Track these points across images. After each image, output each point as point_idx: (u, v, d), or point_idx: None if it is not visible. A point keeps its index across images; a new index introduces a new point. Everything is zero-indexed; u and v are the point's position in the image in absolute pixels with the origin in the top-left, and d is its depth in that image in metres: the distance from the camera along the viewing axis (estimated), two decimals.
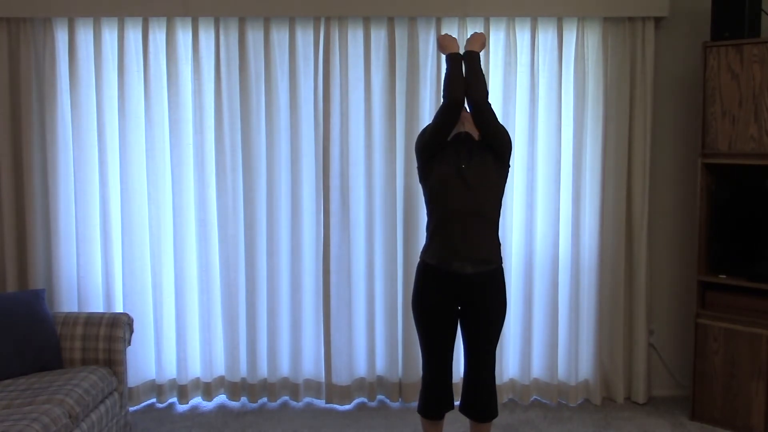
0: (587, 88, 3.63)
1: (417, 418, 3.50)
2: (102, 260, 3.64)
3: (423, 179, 2.72)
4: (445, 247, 2.61)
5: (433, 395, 2.75)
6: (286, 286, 3.70)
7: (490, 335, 2.69)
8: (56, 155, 3.57)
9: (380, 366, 3.76)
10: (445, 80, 2.74)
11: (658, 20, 3.61)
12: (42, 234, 3.62)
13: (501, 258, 2.71)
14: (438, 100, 3.56)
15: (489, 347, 2.70)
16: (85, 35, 3.58)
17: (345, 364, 3.67)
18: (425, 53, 3.58)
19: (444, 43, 2.88)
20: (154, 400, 3.76)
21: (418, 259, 2.81)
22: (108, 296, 3.65)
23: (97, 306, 3.68)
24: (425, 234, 2.76)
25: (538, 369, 3.76)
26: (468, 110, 2.73)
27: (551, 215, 3.63)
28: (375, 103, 3.61)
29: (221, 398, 3.79)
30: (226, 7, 3.49)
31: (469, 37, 2.92)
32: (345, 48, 3.55)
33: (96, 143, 3.61)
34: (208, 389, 3.73)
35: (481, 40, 2.84)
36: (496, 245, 2.67)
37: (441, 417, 2.79)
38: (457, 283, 2.64)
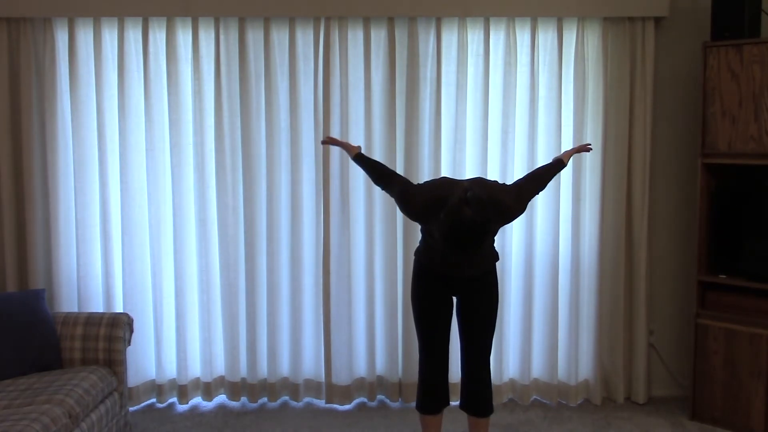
0: (587, 88, 3.63)
1: (417, 418, 3.50)
2: (102, 260, 3.64)
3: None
4: (442, 263, 2.70)
5: (431, 389, 2.79)
6: (286, 286, 3.70)
7: (486, 327, 2.77)
8: (56, 155, 3.57)
9: (380, 366, 3.76)
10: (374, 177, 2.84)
11: (658, 20, 3.61)
12: (42, 234, 3.61)
13: (497, 255, 2.80)
14: (437, 100, 3.56)
15: (485, 340, 2.77)
16: (85, 35, 3.58)
17: (345, 364, 3.67)
18: (425, 53, 3.58)
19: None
20: (154, 400, 3.76)
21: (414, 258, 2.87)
22: (108, 296, 3.65)
23: (97, 306, 3.68)
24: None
25: (538, 369, 3.76)
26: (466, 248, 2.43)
27: (551, 215, 3.63)
28: (375, 103, 3.61)
29: (221, 398, 3.79)
30: (226, 7, 3.49)
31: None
32: (345, 48, 3.55)
33: (96, 143, 3.61)
34: (208, 389, 3.73)
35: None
36: (492, 254, 2.77)
37: (438, 412, 2.81)
38: (452, 281, 2.74)
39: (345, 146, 2.98)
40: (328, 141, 3.03)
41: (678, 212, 3.78)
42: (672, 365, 3.85)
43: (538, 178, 2.85)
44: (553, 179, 3.04)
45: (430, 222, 2.57)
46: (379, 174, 2.82)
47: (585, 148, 3.10)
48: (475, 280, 2.73)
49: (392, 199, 3.62)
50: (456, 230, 2.35)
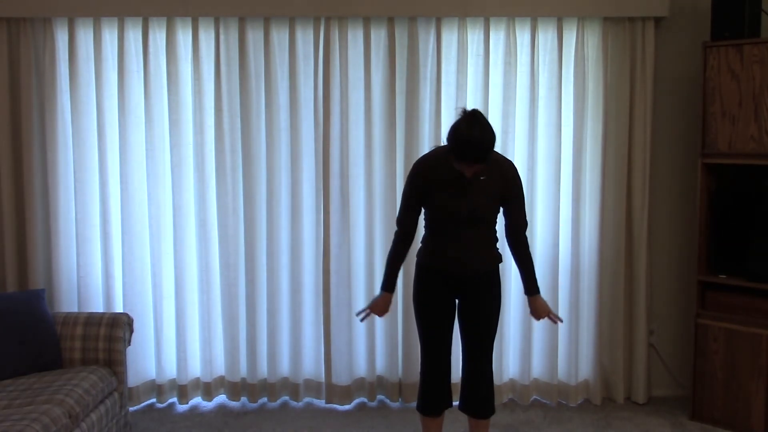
0: (587, 88, 3.63)
1: (417, 418, 3.50)
2: (102, 260, 3.64)
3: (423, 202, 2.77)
4: (443, 260, 2.70)
5: (432, 391, 2.78)
6: (286, 286, 3.70)
7: (488, 328, 2.75)
8: (56, 155, 3.57)
9: (380, 366, 3.76)
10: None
11: (658, 20, 3.61)
12: (42, 234, 3.61)
13: (499, 256, 2.78)
14: (437, 101, 3.56)
15: (486, 341, 2.76)
16: (85, 35, 3.58)
17: (345, 364, 3.67)
18: (425, 53, 3.58)
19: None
20: (154, 400, 3.76)
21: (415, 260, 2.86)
22: (108, 296, 3.65)
23: (97, 306, 3.68)
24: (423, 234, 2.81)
25: (538, 369, 3.76)
26: (474, 162, 2.47)
27: (551, 215, 3.63)
28: (375, 103, 3.61)
29: (221, 398, 3.79)
30: (226, 7, 3.49)
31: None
32: (345, 48, 3.55)
33: (96, 143, 3.61)
34: (208, 389, 3.73)
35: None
36: (494, 254, 2.76)
37: (440, 414, 2.81)
38: (454, 281, 2.73)
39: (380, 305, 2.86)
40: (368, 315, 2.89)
41: (678, 212, 3.78)
42: (672, 365, 3.85)
43: (526, 254, 2.80)
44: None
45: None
46: (396, 253, 2.81)
47: (553, 320, 2.87)
48: (477, 279, 2.72)
49: (392, 200, 3.62)
50: (464, 143, 2.41)
